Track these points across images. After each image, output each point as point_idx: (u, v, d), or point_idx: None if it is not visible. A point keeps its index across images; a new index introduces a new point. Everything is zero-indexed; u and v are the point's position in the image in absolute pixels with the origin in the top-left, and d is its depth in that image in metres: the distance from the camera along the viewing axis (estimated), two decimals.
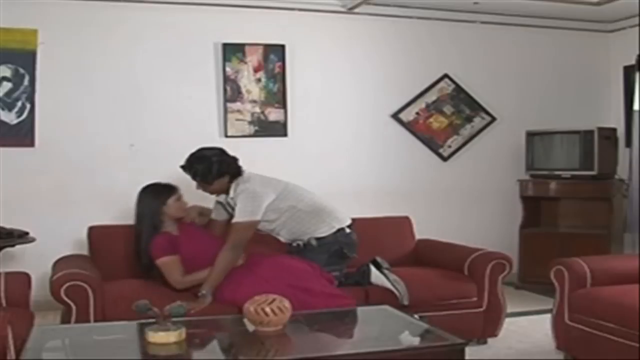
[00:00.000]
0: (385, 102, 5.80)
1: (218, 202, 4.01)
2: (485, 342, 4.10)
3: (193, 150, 3.86)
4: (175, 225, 3.83)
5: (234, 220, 3.76)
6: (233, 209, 3.86)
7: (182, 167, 3.90)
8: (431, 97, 5.91)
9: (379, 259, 3.99)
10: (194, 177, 3.88)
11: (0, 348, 2.62)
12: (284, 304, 2.82)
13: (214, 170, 3.82)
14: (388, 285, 3.87)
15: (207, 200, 4.09)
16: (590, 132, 5.62)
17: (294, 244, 3.94)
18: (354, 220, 4.35)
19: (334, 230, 3.90)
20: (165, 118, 5.27)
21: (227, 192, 3.90)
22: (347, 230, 3.98)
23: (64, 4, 4.97)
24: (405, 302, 3.79)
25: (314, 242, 3.88)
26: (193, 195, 4.01)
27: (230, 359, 2.83)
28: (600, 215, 5.70)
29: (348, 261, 3.95)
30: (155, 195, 3.82)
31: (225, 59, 5.39)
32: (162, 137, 5.24)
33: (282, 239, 4.02)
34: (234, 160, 3.91)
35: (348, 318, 3.39)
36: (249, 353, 2.83)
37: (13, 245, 4.33)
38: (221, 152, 3.90)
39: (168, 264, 3.67)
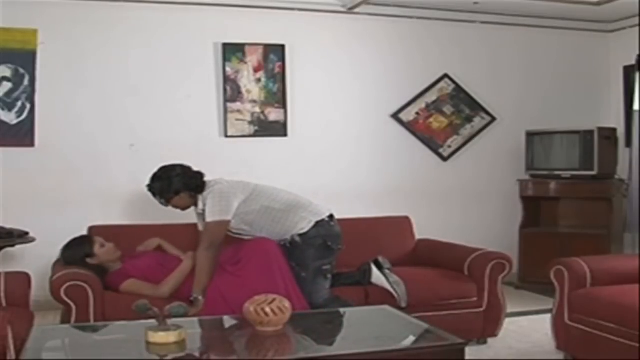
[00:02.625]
0: (385, 102, 5.80)
1: (198, 214, 4.02)
2: (485, 342, 4.10)
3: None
4: (118, 262, 3.86)
5: (206, 220, 3.82)
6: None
7: (147, 186, 3.99)
8: (431, 97, 5.91)
9: (380, 259, 3.99)
10: (154, 196, 3.96)
11: (0, 348, 2.62)
12: (284, 304, 2.82)
13: (171, 189, 3.89)
14: (387, 286, 3.87)
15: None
16: (590, 132, 5.62)
17: (281, 244, 3.91)
18: (354, 220, 4.36)
19: (312, 224, 3.86)
20: (165, 118, 5.27)
21: (194, 205, 3.96)
22: (328, 222, 3.93)
23: (64, 4, 4.97)
24: (404, 305, 3.78)
25: (297, 239, 3.85)
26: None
27: (231, 359, 2.83)
28: (600, 215, 5.70)
29: (336, 253, 3.90)
30: (77, 253, 3.82)
31: (225, 59, 5.39)
32: (162, 137, 5.24)
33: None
34: (197, 176, 3.96)
35: (348, 318, 3.39)
36: (249, 353, 2.83)
37: (13, 245, 4.33)
38: (182, 169, 3.95)
39: (132, 285, 3.70)
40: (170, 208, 4.02)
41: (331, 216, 3.97)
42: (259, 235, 3.88)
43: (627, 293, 3.38)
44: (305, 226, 3.85)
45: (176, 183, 3.89)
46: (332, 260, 3.89)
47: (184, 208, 4.00)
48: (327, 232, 3.89)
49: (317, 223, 3.87)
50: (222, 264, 3.80)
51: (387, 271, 3.93)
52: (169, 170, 3.93)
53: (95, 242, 3.84)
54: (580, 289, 3.62)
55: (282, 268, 3.75)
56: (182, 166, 3.96)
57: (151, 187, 3.96)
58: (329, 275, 3.85)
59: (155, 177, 3.95)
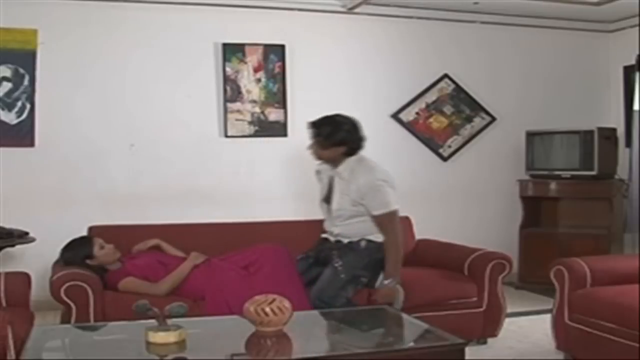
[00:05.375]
0: (385, 102, 5.80)
1: (329, 175, 3.95)
2: (485, 342, 4.10)
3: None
4: (118, 262, 3.87)
5: (383, 211, 3.75)
6: (331, 185, 3.87)
7: (312, 123, 3.88)
8: (431, 97, 5.91)
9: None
10: (315, 136, 3.85)
11: (0, 348, 2.62)
12: (283, 304, 2.81)
13: (335, 138, 3.78)
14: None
15: None
16: (590, 132, 5.62)
17: (337, 240, 3.86)
18: None
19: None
20: (165, 118, 5.27)
21: (335, 163, 3.85)
22: None
23: (64, 4, 4.97)
24: (397, 307, 3.75)
25: (363, 244, 3.82)
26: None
27: (231, 359, 2.83)
28: (600, 215, 5.69)
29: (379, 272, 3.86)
30: (77, 254, 3.83)
31: (225, 59, 5.39)
32: (162, 137, 5.24)
33: (335, 230, 3.91)
34: (361, 140, 3.88)
35: (348, 318, 3.39)
36: (249, 353, 2.83)
37: (13, 245, 4.33)
38: (353, 126, 3.86)
39: (130, 283, 3.71)
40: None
41: None
42: (346, 222, 3.84)
43: (627, 293, 3.38)
44: (380, 237, 3.81)
45: (342, 135, 3.80)
46: (373, 276, 3.84)
47: (326, 160, 3.89)
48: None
49: None
50: (230, 267, 3.80)
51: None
52: (341, 122, 3.83)
53: (95, 244, 3.84)
54: (580, 289, 3.62)
55: (291, 274, 3.76)
56: (353, 123, 3.88)
57: (317, 127, 3.85)
58: (360, 287, 3.82)
59: (327, 120, 3.85)
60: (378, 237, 3.81)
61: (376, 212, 3.76)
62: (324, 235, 4.03)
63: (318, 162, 3.99)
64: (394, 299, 3.69)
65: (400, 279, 3.73)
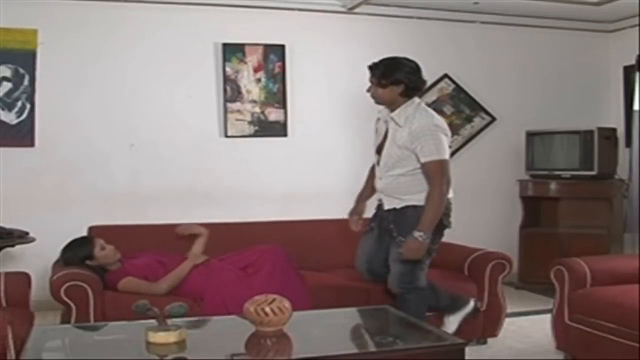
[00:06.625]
0: None
1: (377, 121, 3.84)
2: (485, 342, 4.10)
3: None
4: (117, 263, 3.87)
5: (434, 158, 3.47)
6: (386, 134, 3.70)
7: (374, 63, 3.73)
8: (431, 97, 5.91)
9: (478, 304, 3.90)
10: (373, 75, 3.71)
11: (0, 348, 2.62)
12: (283, 304, 2.81)
13: (394, 75, 3.59)
14: (449, 329, 3.74)
15: None
16: (590, 132, 5.62)
17: (388, 209, 3.65)
18: None
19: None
20: (165, 118, 5.27)
21: (392, 106, 3.65)
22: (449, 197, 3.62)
23: (64, 4, 4.97)
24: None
25: (409, 213, 3.54)
26: None
27: (231, 359, 2.83)
28: (600, 215, 5.70)
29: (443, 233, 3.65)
30: (77, 254, 3.83)
31: (225, 59, 5.39)
32: (162, 137, 5.25)
33: (379, 184, 3.72)
34: (422, 82, 3.67)
35: (348, 318, 3.39)
36: (249, 353, 2.83)
37: (13, 245, 4.33)
38: (415, 69, 3.66)
39: (129, 283, 3.71)
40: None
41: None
42: (399, 178, 3.60)
43: (627, 293, 3.38)
44: (422, 199, 3.52)
45: (402, 74, 3.60)
46: (439, 239, 3.64)
47: (384, 101, 3.69)
48: (447, 209, 3.62)
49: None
50: (229, 267, 3.80)
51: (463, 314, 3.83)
52: (402, 62, 3.66)
53: (95, 245, 3.85)
54: (580, 289, 3.62)
55: (290, 275, 3.78)
56: (414, 66, 3.67)
57: (377, 65, 3.70)
58: (434, 253, 3.62)
59: (386, 60, 3.70)
60: (420, 201, 3.53)
61: (425, 159, 3.47)
62: (378, 198, 3.81)
63: (379, 108, 3.80)
64: (421, 255, 3.48)
65: (429, 236, 3.46)
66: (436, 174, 3.48)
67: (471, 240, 4.56)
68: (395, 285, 3.60)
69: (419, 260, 3.54)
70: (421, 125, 3.51)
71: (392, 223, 3.63)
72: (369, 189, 3.91)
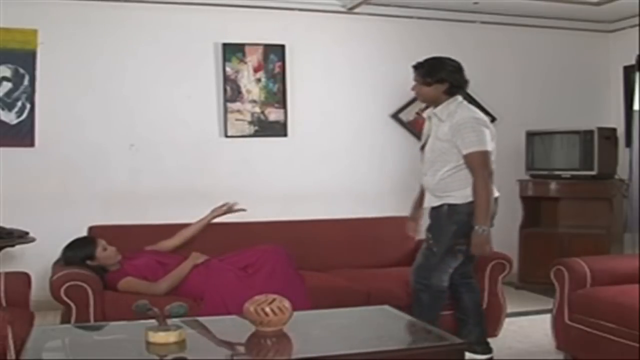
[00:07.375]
0: (385, 102, 5.80)
1: (428, 116, 3.82)
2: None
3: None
4: (117, 264, 3.87)
5: (476, 149, 3.55)
6: (427, 132, 3.72)
7: (418, 62, 3.75)
8: None
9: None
10: (418, 74, 3.71)
11: (0, 348, 2.62)
12: (283, 304, 2.81)
13: (438, 74, 3.64)
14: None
15: None
16: (590, 132, 5.61)
17: (429, 205, 3.68)
18: (353, 220, 4.34)
19: (469, 199, 3.57)
20: (165, 118, 5.27)
21: (435, 104, 3.69)
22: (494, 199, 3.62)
23: (64, 4, 4.97)
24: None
25: (444, 209, 3.58)
26: None
27: (231, 359, 2.83)
28: (600, 215, 5.70)
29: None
30: (78, 254, 3.83)
31: (225, 59, 5.39)
32: (162, 137, 5.25)
33: (423, 180, 3.74)
34: (464, 80, 3.71)
35: (348, 318, 3.39)
36: (249, 353, 2.83)
37: (13, 245, 4.34)
38: (457, 68, 3.71)
39: (128, 283, 3.72)
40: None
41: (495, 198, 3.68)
42: (439, 174, 3.61)
43: (627, 293, 3.38)
44: (469, 195, 3.54)
45: (445, 72, 3.63)
46: (469, 241, 3.57)
47: (428, 99, 3.74)
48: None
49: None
50: (229, 268, 3.80)
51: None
52: (446, 61, 3.70)
53: (98, 245, 3.85)
54: (580, 289, 3.62)
55: (290, 275, 3.77)
56: (457, 65, 3.70)
57: (421, 64, 3.72)
58: (461, 255, 3.61)
59: (430, 59, 3.73)
60: (457, 199, 3.56)
61: (467, 151, 3.53)
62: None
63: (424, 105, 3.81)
64: (487, 248, 3.51)
65: (489, 228, 3.50)
66: (478, 165, 3.56)
67: None
68: (412, 278, 3.66)
69: (442, 259, 3.58)
70: (463, 117, 3.58)
71: (429, 218, 3.71)
72: (423, 194, 3.91)
